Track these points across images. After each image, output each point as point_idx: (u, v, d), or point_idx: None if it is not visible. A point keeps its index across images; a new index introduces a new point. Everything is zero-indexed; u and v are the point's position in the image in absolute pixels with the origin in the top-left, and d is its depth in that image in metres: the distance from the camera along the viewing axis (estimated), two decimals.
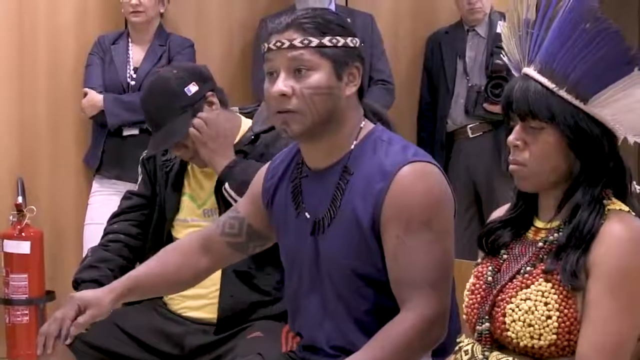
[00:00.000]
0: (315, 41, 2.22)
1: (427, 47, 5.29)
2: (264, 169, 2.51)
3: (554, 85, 1.97)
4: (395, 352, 2.16)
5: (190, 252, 2.53)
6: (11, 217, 4.53)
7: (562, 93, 1.97)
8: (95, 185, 4.69)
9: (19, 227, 4.49)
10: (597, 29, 1.96)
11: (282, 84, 2.22)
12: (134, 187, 3.29)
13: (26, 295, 4.45)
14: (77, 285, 3.09)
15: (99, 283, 3.05)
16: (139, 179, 3.26)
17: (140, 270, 2.55)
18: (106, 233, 3.22)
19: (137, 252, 3.18)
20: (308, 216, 2.31)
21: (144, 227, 3.19)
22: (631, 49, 1.98)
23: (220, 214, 2.99)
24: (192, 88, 3.04)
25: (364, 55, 2.32)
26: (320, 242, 2.29)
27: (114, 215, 3.25)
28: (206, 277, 2.60)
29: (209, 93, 3.06)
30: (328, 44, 2.22)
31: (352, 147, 2.27)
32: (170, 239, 3.14)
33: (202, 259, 2.53)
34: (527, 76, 2.01)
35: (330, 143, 2.27)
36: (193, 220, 3.12)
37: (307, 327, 2.36)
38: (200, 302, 3.04)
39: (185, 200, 3.13)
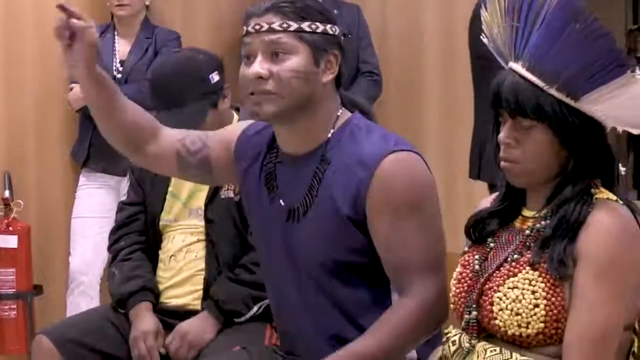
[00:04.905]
0: (294, 25, 2.21)
1: (472, 30, 4.01)
2: (240, 125, 2.46)
3: (544, 84, 1.96)
4: (398, 339, 2.16)
5: (148, 121, 2.40)
6: None
7: (553, 92, 1.96)
8: (82, 179, 4.66)
9: (6, 221, 4.47)
10: (588, 30, 1.96)
11: (259, 65, 2.20)
12: (120, 180, 3.23)
13: (14, 290, 4.42)
14: (124, 301, 2.99)
15: (147, 289, 3.00)
16: (127, 185, 3.19)
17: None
18: (118, 251, 3.12)
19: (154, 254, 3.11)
20: (282, 203, 2.28)
21: (148, 233, 3.12)
22: (623, 52, 1.99)
23: (205, 215, 2.97)
24: (215, 77, 3.02)
25: (348, 45, 2.29)
26: (294, 231, 2.26)
27: (114, 231, 3.17)
28: (135, 140, 2.38)
29: (226, 85, 3.04)
30: (307, 29, 2.22)
31: (330, 135, 2.26)
32: (158, 243, 3.08)
33: (150, 138, 2.39)
34: (514, 72, 2.00)
35: (305, 129, 2.25)
36: (177, 222, 3.05)
37: (289, 322, 2.34)
38: (195, 295, 3.02)
39: (169, 200, 3.07)
